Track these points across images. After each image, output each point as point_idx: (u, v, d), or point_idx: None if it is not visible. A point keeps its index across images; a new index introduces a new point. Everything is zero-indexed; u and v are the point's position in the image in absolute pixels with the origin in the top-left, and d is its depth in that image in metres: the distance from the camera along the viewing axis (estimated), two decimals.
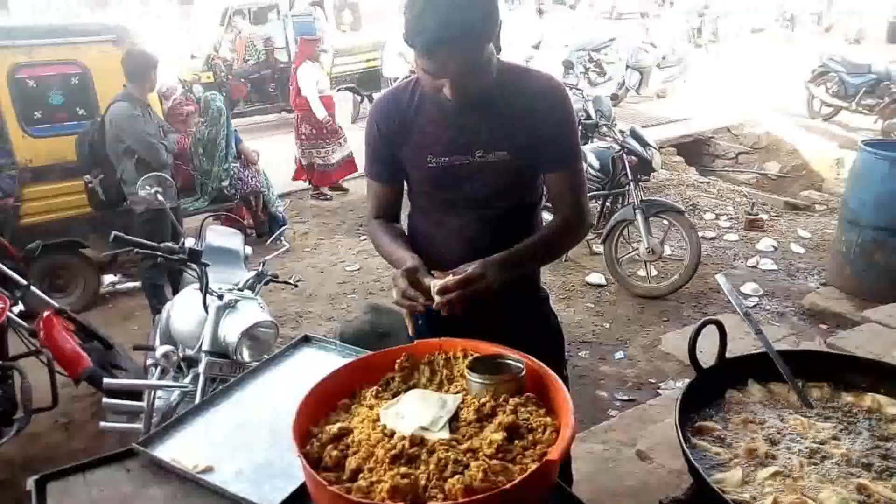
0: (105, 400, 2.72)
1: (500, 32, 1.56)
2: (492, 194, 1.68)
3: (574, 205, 1.71)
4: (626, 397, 3.72)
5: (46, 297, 3.64)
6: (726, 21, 16.42)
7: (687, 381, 1.51)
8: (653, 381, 3.87)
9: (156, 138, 4.30)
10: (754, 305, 4.71)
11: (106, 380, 2.77)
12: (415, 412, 1.26)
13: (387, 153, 1.73)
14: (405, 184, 1.81)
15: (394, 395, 1.39)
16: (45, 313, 3.38)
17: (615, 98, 10.36)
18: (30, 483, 1.39)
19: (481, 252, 1.73)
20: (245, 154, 6.29)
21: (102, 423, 2.82)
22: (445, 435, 1.21)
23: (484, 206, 1.70)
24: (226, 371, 2.63)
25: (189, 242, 3.20)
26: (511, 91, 1.62)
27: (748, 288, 4.92)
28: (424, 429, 1.22)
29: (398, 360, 1.47)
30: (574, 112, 1.72)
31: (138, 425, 2.73)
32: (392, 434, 1.22)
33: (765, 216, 6.50)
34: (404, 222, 1.90)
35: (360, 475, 1.16)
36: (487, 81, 1.56)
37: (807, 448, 1.32)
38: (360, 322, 3.95)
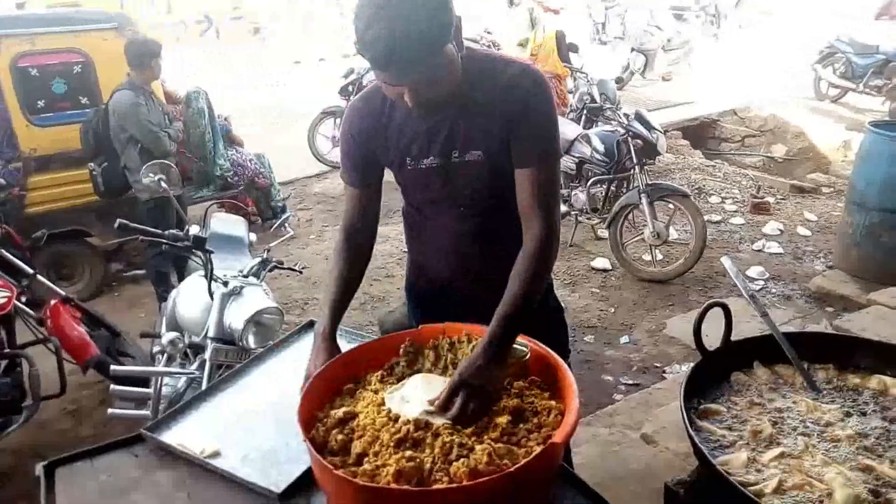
0: (112, 387, 2.74)
1: (460, 28, 1.45)
2: (473, 193, 1.63)
3: (540, 217, 1.52)
4: (631, 381, 3.72)
5: (53, 286, 3.66)
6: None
7: (693, 364, 1.51)
8: (658, 365, 3.87)
9: (158, 126, 4.29)
10: (760, 289, 4.70)
11: (113, 367, 2.79)
12: (419, 396, 1.27)
13: (360, 158, 1.67)
14: (382, 188, 1.76)
15: (399, 380, 1.39)
16: (52, 301, 3.40)
17: (620, 81, 10.28)
18: (38, 469, 1.40)
19: (469, 249, 1.70)
20: (233, 140, 6.30)
21: (110, 410, 2.84)
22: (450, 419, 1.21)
23: (466, 206, 1.65)
24: (231, 357, 2.64)
25: (194, 230, 3.20)
26: (484, 85, 1.53)
27: (754, 271, 4.91)
28: (429, 413, 1.22)
29: (402, 345, 1.48)
30: (553, 103, 1.58)
31: (146, 412, 2.75)
32: (397, 418, 1.22)
33: (771, 199, 6.46)
34: (393, 213, 1.83)
35: (366, 459, 1.16)
36: (449, 84, 1.46)
37: (812, 429, 1.33)
38: (399, 314, 3.96)
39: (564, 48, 7.57)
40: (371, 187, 1.72)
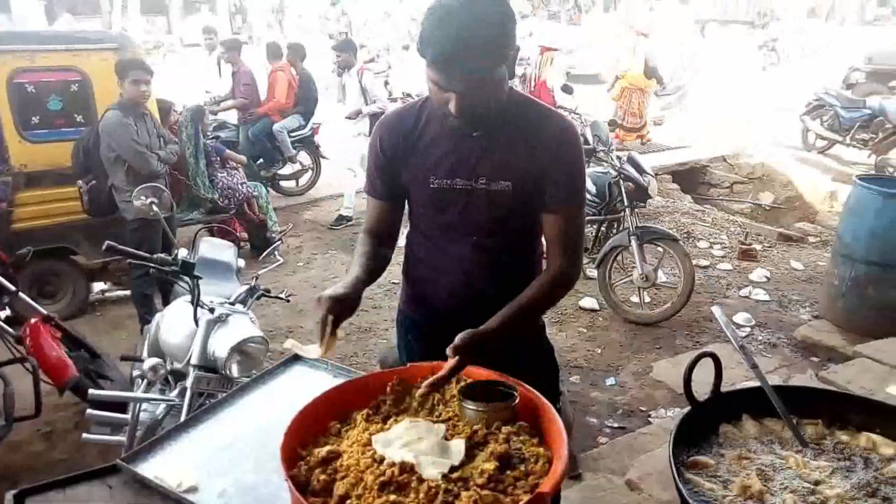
0: (89, 411, 2.67)
1: (516, 58, 1.56)
2: (491, 223, 1.66)
3: (566, 257, 1.65)
4: (616, 425, 3.69)
5: (34, 304, 3.60)
6: None
7: (678, 409, 1.50)
8: (644, 409, 3.84)
9: (147, 147, 4.28)
10: (746, 336, 4.70)
11: (91, 390, 2.72)
12: (405, 441, 1.24)
13: (387, 172, 1.71)
14: (406, 204, 1.79)
15: (384, 419, 1.37)
16: (33, 320, 3.34)
17: (613, 124, 10.41)
18: (8, 497, 1.36)
19: (476, 280, 1.72)
20: (230, 159, 6.28)
21: (85, 435, 2.77)
22: (436, 475, 1.16)
23: (482, 234, 1.68)
24: (214, 386, 2.59)
25: (182, 253, 3.18)
26: (522, 123, 1.61)
27: (741, 318, 4.92)
28: (416, 456, 1.19)
29: (390, 383, 1.45)
30: (584, 155, 1.69)
31: (122, 438, 2.69)
32: (382, 460, 1.19)
33: (758, 246, 6.52)
34: (401, 242, 1.87)
35: (348, 501, 1.13)
36: (496, 102, 1.54)
37: (801, 486, 1.31)
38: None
39: (650, 68, 9.44)
40: (396, 201, 1.76)
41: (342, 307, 1.50)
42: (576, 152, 1.65)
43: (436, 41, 1.44)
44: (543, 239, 1.69)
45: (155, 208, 3.14)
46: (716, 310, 1.71)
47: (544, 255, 1.77)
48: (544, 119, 1.65)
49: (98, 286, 5.43)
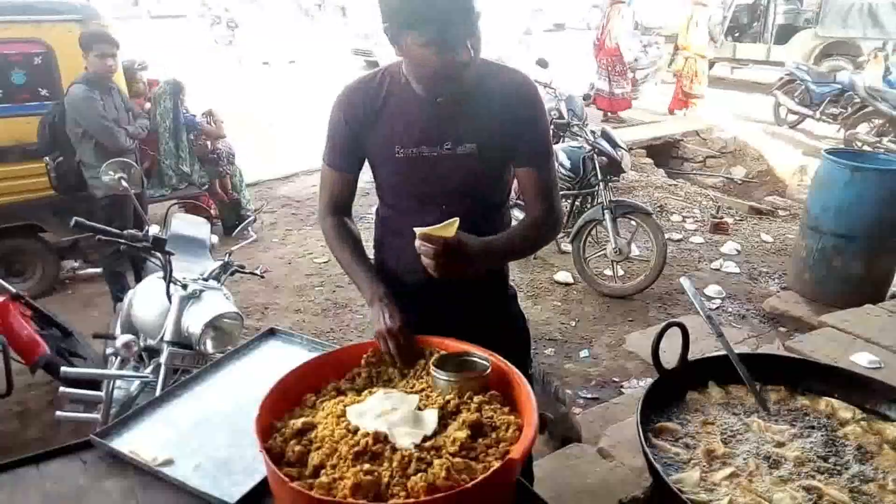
0: (62, 389, 2.65)
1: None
2: (459, 189, 1.65)
3: (545, 204, 1.70)
4: (589, 395, 3.76)
5: (2, 282, 3.54)
6: None
7: (650, 380, 1.53)
8: (616, 379, 3.92)
9: (114, 122, 4.19)
10: (717, 307, 4.80)
11: (63, 368, 2.69)
12: (379, 411, 1.26)
13: (349, 143, 1.70)
14: (373, 176, 1.79)
15: (359, 391, 1.38)
16: (1, 298, 3.29)
17: (587, 98, 10.44)
18: None
19: None
20: (206, 133, 6.12)
21: (59, 413, 2.75)
22: (409, 445, 1.19)
23: (451, 202, 1.66)
24: (188, 362, 2.59)
25: (154, 230, 3.13)
26: (483, 85, 1.60)
27: (711, 290, 5.01)
28: (389, 427, 1.21)
29: (364, 355, 1.47)
30: (546, 110, 1.71)
31: (96, 415, 2.68)
32: (356, 430, 1.21)
33: (729, 220, 6.62)
34: (359, 220, 1.87)
35: (323, 471, 1.15)
36: (476, 64, 1.53)
37: (763, 450, 1.36)
38: None
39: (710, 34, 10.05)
40: (355, 173, 1.76)
41: (402, 323, 1.51)
42: (537, 105, 1.67)
43: (432, 19, 1.40)
44: (520, 192, 1.73)
45: (124, 184, 3.08)
46: (684, 281, 1.75)
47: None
48: (501, 77, 1.64)
49: (68, 263, 5.34)
